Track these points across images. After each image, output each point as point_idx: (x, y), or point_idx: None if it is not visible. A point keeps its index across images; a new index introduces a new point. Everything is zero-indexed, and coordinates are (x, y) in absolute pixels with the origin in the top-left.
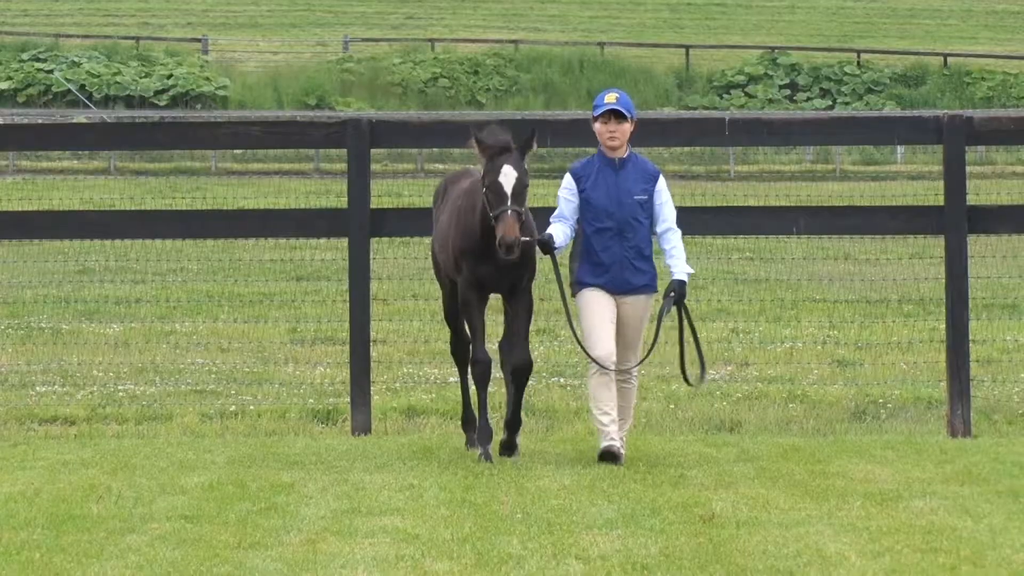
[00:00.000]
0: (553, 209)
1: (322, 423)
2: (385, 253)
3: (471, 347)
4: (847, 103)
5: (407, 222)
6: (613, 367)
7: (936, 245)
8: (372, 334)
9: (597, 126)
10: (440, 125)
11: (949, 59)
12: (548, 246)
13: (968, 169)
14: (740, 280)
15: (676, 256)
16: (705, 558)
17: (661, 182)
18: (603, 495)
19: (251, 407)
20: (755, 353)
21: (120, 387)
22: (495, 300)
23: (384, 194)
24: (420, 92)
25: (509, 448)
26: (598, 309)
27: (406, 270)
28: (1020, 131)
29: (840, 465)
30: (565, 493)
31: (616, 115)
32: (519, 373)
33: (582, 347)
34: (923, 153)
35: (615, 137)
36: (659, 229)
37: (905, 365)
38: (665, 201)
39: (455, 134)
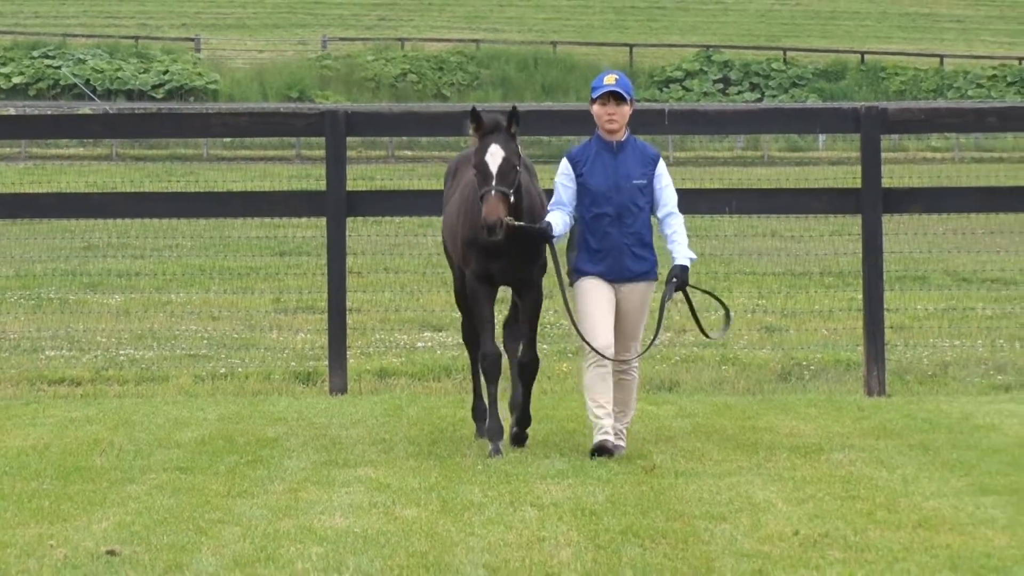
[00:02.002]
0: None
1: (303, 384)
2: (359, 231)
3: (480, 340)
4: (774, 96)
5: (379, 203)
6: (612, 357)
7: (854, 223)
8: (348, 304)
9: (595, 108)
10: (409, 116)
11: (866, 56)
12: (546, 234)
13: (883, 155)
14: None
15: (677, 241)
16: (647, 504)
17: (661, 165)
18: (555, 448)
19: (239, 369)
20: (691, 320)
21: (121, 352)
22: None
23: (358, 178)
24: (391, 86)
25: (519, 439)
26: (596, 298)
27: (378, 246)
28: (929, 121)
29: (768, 421)
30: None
31: (615, 97)
32: (526, 369)
33: (582, 338)
34: (843, 141)
35: (614, 120)
36: (660, 214)
37: (826, 331)
38: (666, 185)
39: (422, 124)
